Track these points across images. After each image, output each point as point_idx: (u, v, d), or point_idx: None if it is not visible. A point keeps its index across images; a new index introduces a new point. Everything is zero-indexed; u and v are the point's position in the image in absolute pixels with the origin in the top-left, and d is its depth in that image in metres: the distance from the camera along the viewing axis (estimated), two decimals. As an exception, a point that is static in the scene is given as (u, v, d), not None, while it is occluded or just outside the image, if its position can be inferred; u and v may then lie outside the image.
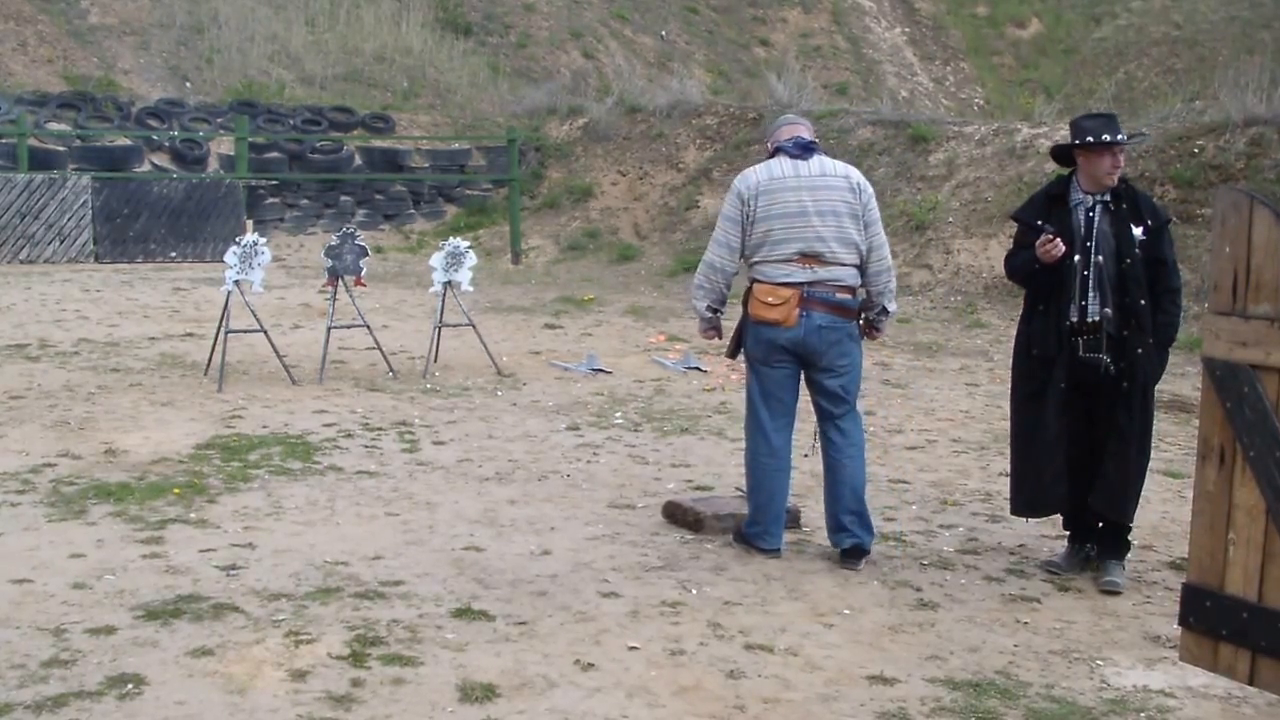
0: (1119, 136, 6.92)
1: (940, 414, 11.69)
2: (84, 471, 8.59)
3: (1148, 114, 21.91)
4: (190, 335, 14.60)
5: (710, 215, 22.65)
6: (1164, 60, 36.66)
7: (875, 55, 39.05)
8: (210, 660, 5.51)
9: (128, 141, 23.54)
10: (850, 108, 25.86)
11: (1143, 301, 6.82)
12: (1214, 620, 4.50)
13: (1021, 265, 7.18)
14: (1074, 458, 7.03)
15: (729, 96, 30.17)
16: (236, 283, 11.98)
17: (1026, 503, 7.25)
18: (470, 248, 13.38)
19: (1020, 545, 7.65)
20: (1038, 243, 6.91)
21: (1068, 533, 7.36)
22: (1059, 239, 6.85)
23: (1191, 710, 5.40)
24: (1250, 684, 4.54)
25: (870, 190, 7.23)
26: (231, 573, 6.66)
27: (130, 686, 5.20)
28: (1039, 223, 7.01)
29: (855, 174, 7.28)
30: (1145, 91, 33.31)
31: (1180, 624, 4.65)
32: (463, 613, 6.20)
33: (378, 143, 25.91)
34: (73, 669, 5.36)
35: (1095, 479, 6.99)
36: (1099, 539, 7.15)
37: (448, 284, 13.00)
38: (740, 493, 7.98)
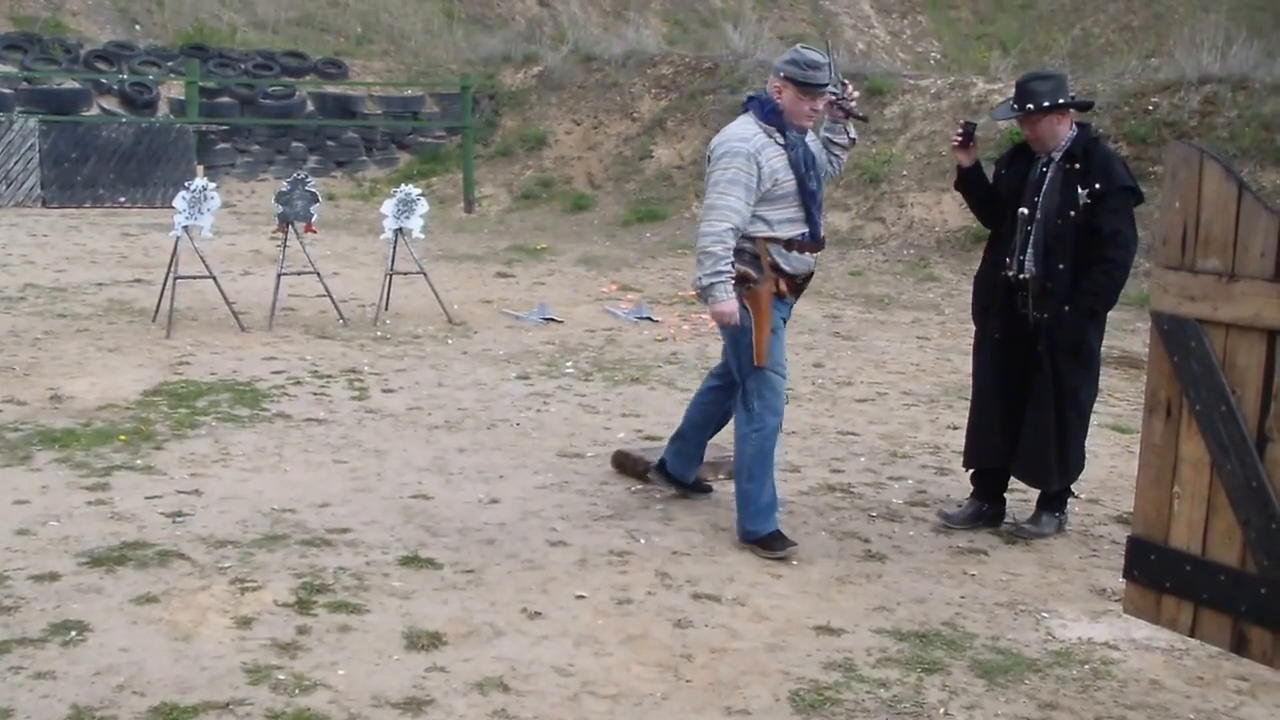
0: (1014, 107, 6.97)
1: (891, 367, 11.72)
2: (29, 417, 8.52)
3: (1103, 70, 21.95)
4: (139, 281, 14.47)
5: (664, 165, 22.59)
6: (1120, 17, 36.69)
7: (832, 7, 38.93)
8: (155, 607, 5.49)
9: (76, 84, 23.21)
10: (806, 59, 25.74)
11: (1061, 266, 6.75)
12: (1158, 573, 4.53)
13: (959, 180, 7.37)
14: (1009, 413, 7.03)
15: (685, 46, 29.99)
16: (186, 228, 11.86)
17: (967, 453, 7.29)
18: (422, 195, 13.30)
19: (968, 498, 7.68)
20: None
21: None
22: (966, 136, 7.12)
23: (1135, 662, 5.45)
24: (1192, 636, 4.57)
25: (718, 153, 6.55)
26: (178, 520, 6.62)
27: (74, 634, 5.18)
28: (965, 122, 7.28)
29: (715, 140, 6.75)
30: (1101, 48, 33.33)
31: (1125, 577, 4.67)
32: (410, 561, 6.19)
33: (330, 88, 25.66)
34: (15, 616, 5.32)
35: (1016, 444, 7.00)
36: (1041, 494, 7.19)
37: (399, 231, 12.93)
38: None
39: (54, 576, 5.77)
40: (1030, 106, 6.83)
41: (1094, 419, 9.47)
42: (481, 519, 6.90)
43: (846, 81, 6.87)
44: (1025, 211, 6.88)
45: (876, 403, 10.18)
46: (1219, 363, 4.29)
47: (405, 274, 13.20)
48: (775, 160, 6.47)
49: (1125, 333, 13.44)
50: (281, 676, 4.88)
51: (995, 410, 7.04)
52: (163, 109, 23.94)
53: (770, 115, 6.53)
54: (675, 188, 21.97)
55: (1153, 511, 4.53)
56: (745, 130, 6.54)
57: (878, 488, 7.89)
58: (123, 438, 8.10)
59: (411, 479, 7.59)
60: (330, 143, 25.06)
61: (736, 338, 6.66)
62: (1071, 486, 7.22)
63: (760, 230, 6.51)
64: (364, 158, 25.38)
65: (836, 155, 6.94)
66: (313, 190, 12.74)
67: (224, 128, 24.00)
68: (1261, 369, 4.19)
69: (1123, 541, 5.24)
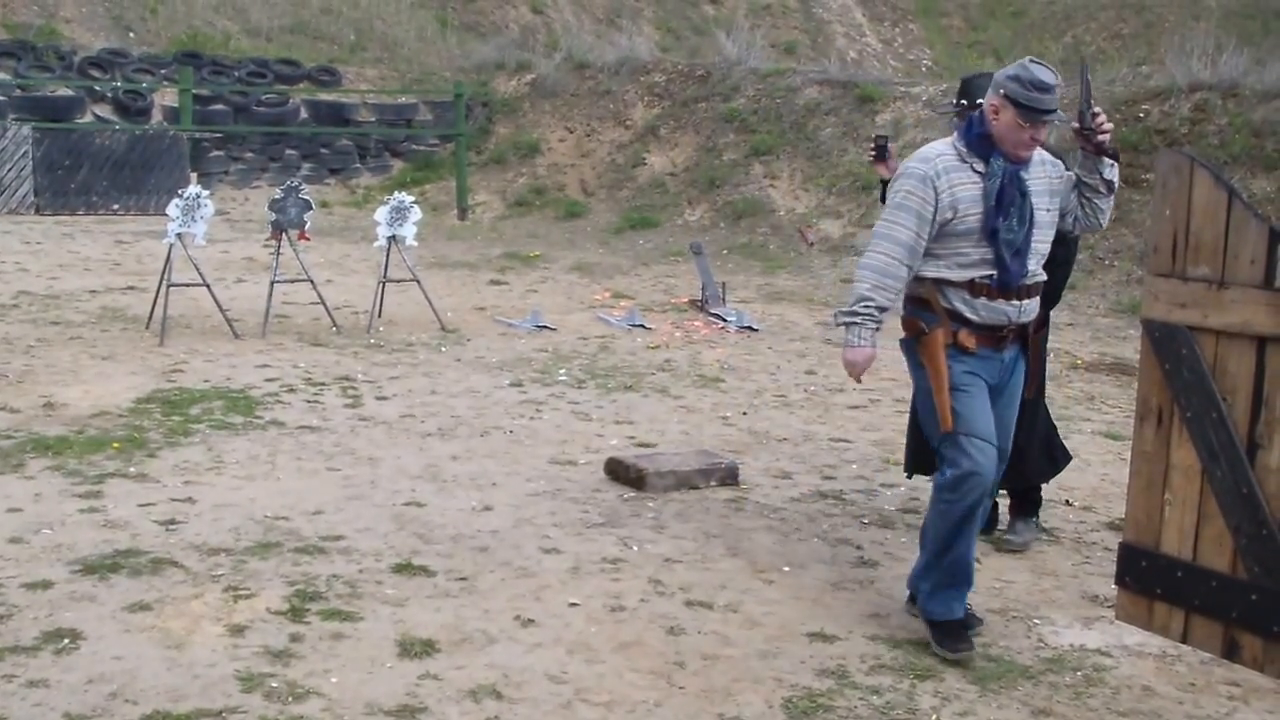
0: (962, 102, 6.81)
1: (883, 373, 11.69)
2: (22, 425, 8.51)
3: (1094, 77, 21.96)
4: (132, 288, 14.47)
5: (657, 172, 22.60)
6: (1111, 25, 36.74)
7: (824, 15, 38.97)
8: (148, 615, 5.48)
9: (70, 92, 23.19)
10: (798, 67, 25.81)
11: None
12: (1149, 580, 4.54)
13: None
14: None
15: (677, 54, 30.03)
16: (179, 235, 11.86)
17: (907, 460, 7.26)
18: (415, 202, 13.33)
19: (961, 505, 7.68)
20: None
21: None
22: (879, 150, 7.00)
23: (1127, 668, 5.46)
24: (1183, 642, 4.59)
25: (897, 174, 5.66)
26: (170, 527, 6.62)
27: (67, 641, 5.17)
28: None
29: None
30: (1093, 55, 33.37)
31: (1117, 583, 4.70)
32: (403, 568, 6.19)
33: (324, 96, 25.66)
34: (8, 624, 5.31)
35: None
36: (1013, 499, 7.15)
37: (392, 239, 12.95)
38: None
39: (47, 584, 5.76)
40: (980, 101, 6.80)
41: (1086, 426, 9.53)
42: (474, 526, 6.90)
43: (1098, 110, 5.50)
44: None
45: (869, 409, 10.19)
46: (1209, 370, 4.31)
47: (398, 281, 13.21)
48: (963, 189, 5.41)
49: (1117, 339, 13.47)
50: (274, 684, 4.88)
51: None
52: (156, 116, 23.92)
53: (976, 139, 5.47)
54: (668, 195, 21.99)
55: (1144, 518, 4.55)
56: (932, 150, 5.55)
57: (870, 494, 7.89)
58: (116, 445, 8.09)
59: (404, 486, 7.59)
60: (324, 150, 25.05)
61: (924, 399, 5.66)
62: (1043, 490, 7.21)
63: (931, 269, 5.50)
64: (357, 165, 25.37)
65: (1089, 199, 5.64)
66: (306, 198, 12.76)
67: (218, 135, 24.00)
68: (1251, 376, 4.22)
69: (1115, 548, 5.25)
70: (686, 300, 15.19)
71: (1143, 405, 4.56)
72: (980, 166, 5.45)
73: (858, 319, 5.49)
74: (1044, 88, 5.30)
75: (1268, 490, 4.18)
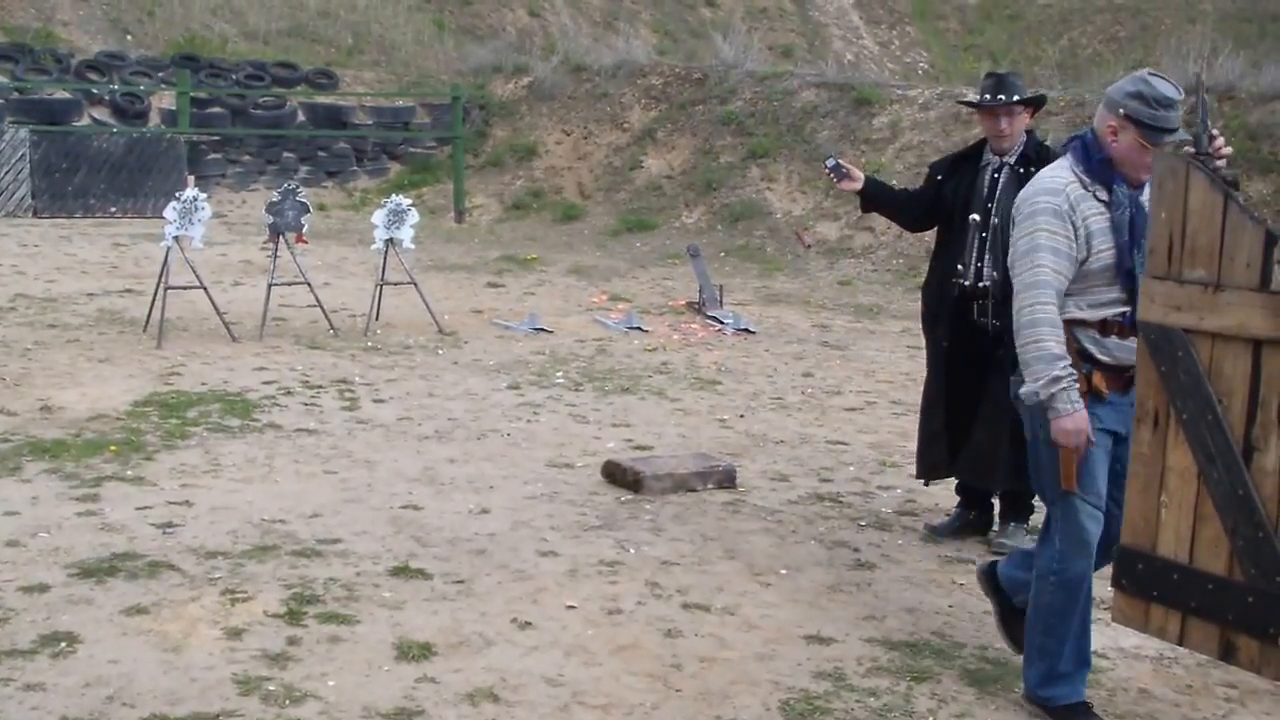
0: (999, 98, 6.83)
1: (880, 376, 11.73)
2: (19, 428, 8.51)
3: (1091, 80, 21.99)
4: (129, 291, 14.46)
5: (654, 175, 22.59)
6: (1107, 28, 36.75)
7: (821, 18, 38.96)
8: (145, 619, 5.49)
9: (67, 94, 23.18)
10: (795, 70, 25.81)
11: None
12: (1146, 582, 4.54)
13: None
14: (953, 422, 7.01)
15: (675, 57, 30.01)
16: (176, 238, 11.86)
17: (918, 464, 7.29)
18: (412, 205, 13.33)
19: (955, 508, 7.69)
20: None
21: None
22: (837, 173, 7.04)
23: (1123, 671, 5.46)
24: (1180, 645, 4.58)
25: (1023, 213, 5.05)
26: (168, 531, 6.62)
27: (64, 645, 5.17)
28: (831, 159, 7.18)
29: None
30: (1089, 58, 33.38)
31: (1113, 585, 4.69)
32: (400, 571, 6.19)
33: (321, 99, 25.63)
34: (5, 627, 5.31)
35: (964, 445, 6.96)
36: (1004, 501, 7.13)
37: (389, 241, 12.95)
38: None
39: (44, 588, 5.76)
40: (1016, 96, 6.81)
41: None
42: (472, 529, 6.91)
43: (1216, 132, 4.84)
44: (977, 218, 6.83)
45: (866, 412, 10.20)
46: (1205, 372, 4.31)
47: (396, 284, 13.20)
48: (1094, 220, 4.90)
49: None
50: (272, 687, 4.88)
51: (939, 419, 7.04)
52: (154, 119, 23.89)
53: (1097, 165, 4.94)
54: (665, 198, 21.98)
55: (1140, 520, 4.55)
56: (1056, 180, 4.98)
57: (867, 497, 7.90)
58: (113, 448, 8.09)
59: (402, 489, 7.59)
60: (321, 153, 25.03)
61: (1035, 449, 5.07)
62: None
63: (1065, 310, 4.93)
64: (355, 168, 25.36)
65: None
66: (303, 200, 12.76)
67: (215, 138, 23.98)
68: (1247, 378, 4.22)
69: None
70: (684, 303, 15.19)
71: (1139, 408, 4.56)
72: (1104, 195, 4.94)
73: (1063, 382, 4.81)
74: (1169, 104, 4.87)
75: (1264, 492, 4.18)
